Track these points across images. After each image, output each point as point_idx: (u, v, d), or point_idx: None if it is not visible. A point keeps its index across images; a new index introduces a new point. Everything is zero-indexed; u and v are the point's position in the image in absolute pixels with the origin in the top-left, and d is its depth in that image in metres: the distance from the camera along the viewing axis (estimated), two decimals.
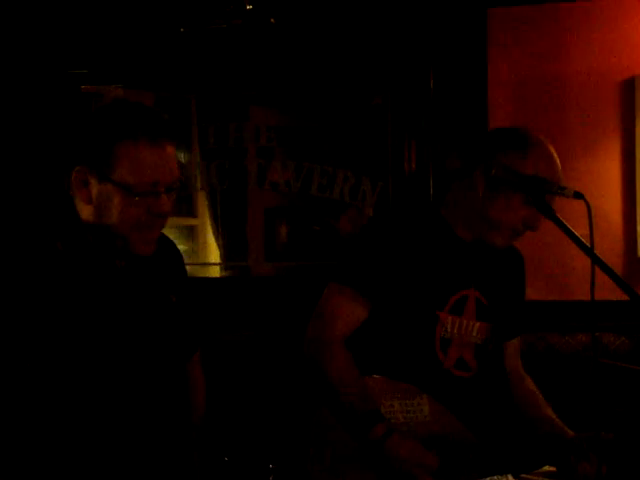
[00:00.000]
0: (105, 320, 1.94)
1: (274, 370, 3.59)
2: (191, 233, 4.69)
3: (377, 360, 2.29)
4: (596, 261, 2.01)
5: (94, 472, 1.92)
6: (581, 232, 2.12)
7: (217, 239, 4.43)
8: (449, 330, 2.29)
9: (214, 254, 4.50)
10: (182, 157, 4.47)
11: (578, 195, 2.10)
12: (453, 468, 2.20)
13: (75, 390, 1.91)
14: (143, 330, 2.00)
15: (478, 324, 2.34)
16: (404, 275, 2.27)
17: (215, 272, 4.43)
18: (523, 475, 2.93)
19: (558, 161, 2.29)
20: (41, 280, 1.90)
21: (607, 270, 2.02)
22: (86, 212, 1.94)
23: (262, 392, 3.58)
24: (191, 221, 4.66)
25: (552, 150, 2.30)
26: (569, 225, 2.12)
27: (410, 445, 2.16)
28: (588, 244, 2.08)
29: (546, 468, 3.01)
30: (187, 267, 4.29)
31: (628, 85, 3.67)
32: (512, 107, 3.74)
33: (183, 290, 2.17)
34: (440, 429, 2.22)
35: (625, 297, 2.03)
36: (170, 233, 4.40)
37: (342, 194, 3.96)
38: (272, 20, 3.73)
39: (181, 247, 4.41)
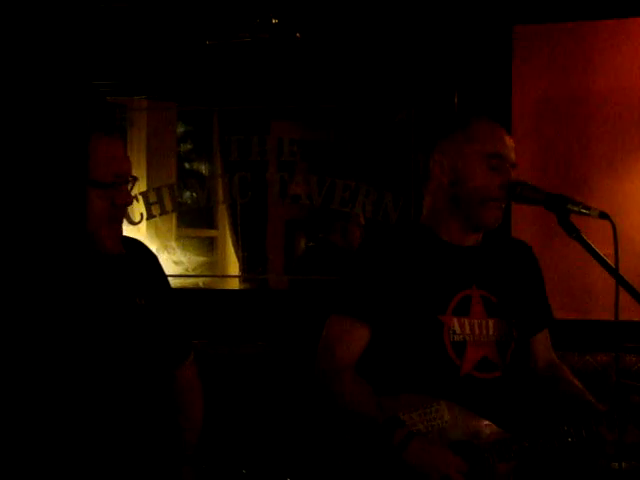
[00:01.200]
0: (63, 328, 1.94)
1: (291, 383, 3.58)
2: (211, 245, 4.71)
3: (393, 379, 2.28)
4: (620, 282, 2.00)
5: None
6: (604, 252, 2.11)
7: (237, 251, 4.45)
8: (459, 332, 2.28)
9: (233, 266, 4.51)
10: (204, 169, 4.50)
11: (604, 215, 2.08)
12: (483, 468, 2.17)
13: (42, 404, 1.91)
14: (108, 337, 2.00)
15: (492, 321, 2.32)
16: (397, 290, 2.27)
17: (234, 284, 4.44)
18: None
19: (504, 134, 2.33)
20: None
21: (631, 291, 2.00)
22: None
23: (280, 405, 3.57)
24: (211, 233, 4.68)
25: (496, 125, 2.36)
26: (594, 245, 2.11)
27: (435, 447, 2.16)
28: (612, 264, 2.06)
29: None
30: (206, 279, 4.33)
31: None
32: (536, 124, 3.73)
33: (157, 293, 2.16)
34: (464, 432, 2.21)
35: None
36: (190, 244, 4.47)
37: (364, 209, 3.97)
38: (298, 35, 3.74)
39: (201, 259, 4.49)
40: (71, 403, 1.94)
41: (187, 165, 4.67)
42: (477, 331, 2.30)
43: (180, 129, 4.69)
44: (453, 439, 2.20)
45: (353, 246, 4.25)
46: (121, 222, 2.05)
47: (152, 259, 2.22)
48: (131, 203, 2.06)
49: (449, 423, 2.21)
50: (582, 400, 2.34)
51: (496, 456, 2.19)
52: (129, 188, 2.03)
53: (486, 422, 2.23)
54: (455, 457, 2.15)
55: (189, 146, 4.74)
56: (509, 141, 2.34)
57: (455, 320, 2.28)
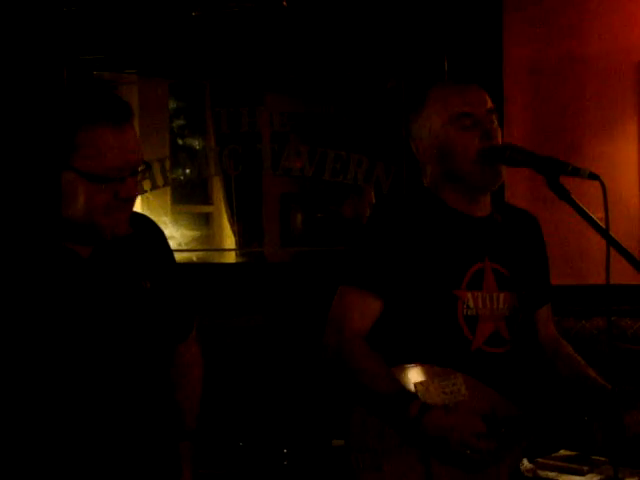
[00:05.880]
0: (71, 314, 1.91)
1: (289, 355, 3.59)
2: (206, 220, 4.69)
3: (404, 351, 2.25)
4: (611, 242, 1.97)
5: (66, 466, 1.92)
6: (598, 216, 2.09)
7: (232, 225, 4.43)
8: (472, 306, 2.25)
9: (229, 240, 4.49)
10: (197, 144, 4.47)
11: (593, 176, 2.05)
12: (499, 444, 2.15)
13: (45, 385, 1.90)
14: (110, 321, 1.96)
15: (503, 295, 2.29)
16: (411, 263, 2.23)
17: (231, 258, 4.43)
18: (539, 459, 2.91)
19: (464, 89, 2.29)
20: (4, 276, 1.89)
21: (624, 252, 1.98)
22: None
23: (277, 377, 3.57)
24: (206, 209, 4.67)
25: (451, 85, 2.37)
26: (585, 207, 2.08)
27: (452, 415, 2.14)
28: (605, 227, 2.04)
29: (562, 452, 3.00)
30: (201, 253, 4.32)
31: None
32: (528, 88, 3.70)
33: (163, 272, 2.11)
34: (480, 407, 2.18)
35: None
36: (184, 219, 4.45)
37: (356, 179, 3.95)
38: (284, 3, 3.70)
39: (196, 233, 4.47)
40: (71, 389, 1.92)
41: (180, 140, 4.64)
42: (489, 305, 2.27)
43: (172, 104, 4.65)
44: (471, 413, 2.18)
45: (361, 219, 4.24)
46: (127, 211, 1.95)
47: (159, 236, 2.17)
48: (136, 196, 1.94)
49: (466, 398, 2.19)
50: (588, 378, 2.33)
51: (512, 432, 2.17)
52: (139, 178, 1.92)
53: (502, 398, 2.21)
54: (473, 419, 2.12)
55: (181, 121, 4.71)
56: (473, 92, 2.29)
57: (469, 294, 2.25)
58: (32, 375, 1.90)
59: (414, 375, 2.20)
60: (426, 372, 2.21)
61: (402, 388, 2.17)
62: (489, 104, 2.28)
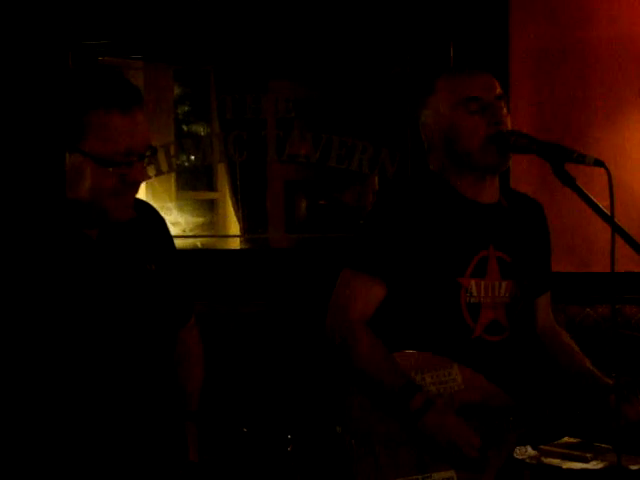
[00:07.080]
0: (77, 294, 1.92)
1: (293, 341, 3.59)
2: (211, 206, 4.69)
3: (405, 337, 2.27)
4: (617, 230, 1.97)
5: (73, 446, 1.93)
6: (603, 204, 2.08)
7: (237, 212, 4.43)
8: (475, 294, 2.26)
9: (234, 227, 4.50)
10: (201, 130, 4.47)
11: (598, 163, 2.05)
12: (493, 434, 2.18)
13: (51, 365, 1.91)
14: (118, 302, 1.97)
15: (505, 283, 2.30)
16: (416, 250, 2.24)
17: (235, 244, 4.43)
18: (542, 446, 2.92)
19: (474, 74, 2.31)
20: (11, 256, 1.90)
21: (629, 240, 1.98)
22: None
23: (280, 363, 3.58)
24: (211, 195, 4.67)
25: (462, 71, 2.37)
26: (590, 195, 2.08)
27: (451, 420, 2.17)
28: (610, 214, 2.04)
29: (566, 439, 3.01)
30: (205, 239, 4.33)
31: None
32: (534, 74, 3.69)
33: (165, 258, 2.13)
34: (475, 397, 2.21)
35: None
36: (189, 205, 4.46)
37: (361, 165, 3.94)
38: None
39: (201, 219, 4.47)
40: (79, 369, 1.93)
41: (184, 126, 4.64)
42: (491, 293, 2.29)
43: (177, 90, 4.64)
44: (465, 403, 2.21)
45: (364, 207, 4.23)
46: (132, 195, 1.97)
47: (161, 223, 2.19)
48: (142, 180, 1.95)
49: (462, 388, 2.21)
50: (583, 368, 2.35)
51: (506, 423, 2.19)
52: (146, 163, 1.94)
53: (498, 389, 2.23)
54: (469, 431, 2.16)
55: (186, 107, 4.71)
56: (482, 78, 2.30)
57: (473, 282, 2.26)
58: (41, 354, 1.91)
59: (411, 363, 2.22)
60: (423, 360, 2.23)
61: (407, 380, 2.18)
62: (498, 90, 2.29)
